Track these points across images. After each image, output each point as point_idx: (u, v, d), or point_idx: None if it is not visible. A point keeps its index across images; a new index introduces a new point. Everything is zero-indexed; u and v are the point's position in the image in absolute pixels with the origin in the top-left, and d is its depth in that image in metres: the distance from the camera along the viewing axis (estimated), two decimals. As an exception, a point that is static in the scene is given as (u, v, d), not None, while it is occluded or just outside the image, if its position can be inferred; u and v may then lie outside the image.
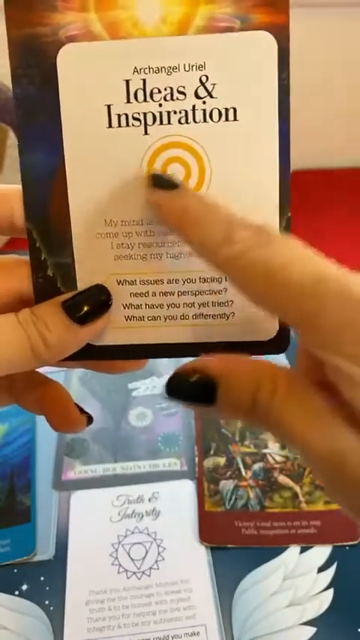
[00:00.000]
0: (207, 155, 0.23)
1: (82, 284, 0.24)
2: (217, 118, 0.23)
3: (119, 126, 0.23)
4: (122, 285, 0.24)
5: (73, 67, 0.22)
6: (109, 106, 0.23)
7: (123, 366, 0.27)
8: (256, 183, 0.23)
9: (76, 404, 0.27)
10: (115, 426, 0.45)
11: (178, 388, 0.22)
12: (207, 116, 0.23)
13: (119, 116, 0.23)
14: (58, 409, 0.27)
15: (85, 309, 0.23)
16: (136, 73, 0.22)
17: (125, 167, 0.23)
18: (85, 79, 0.22)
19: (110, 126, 0.23)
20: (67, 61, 0.22)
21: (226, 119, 0.23)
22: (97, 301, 0.24)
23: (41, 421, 0.44)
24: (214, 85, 0.22)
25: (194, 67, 0.22)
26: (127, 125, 0.23)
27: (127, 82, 0.22)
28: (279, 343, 0.25)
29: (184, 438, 0.44)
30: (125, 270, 0.24)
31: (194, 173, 0.23)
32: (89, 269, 0.24)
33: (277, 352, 0.25)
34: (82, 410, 0.27)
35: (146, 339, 0.25)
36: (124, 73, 0.22)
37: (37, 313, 0.23)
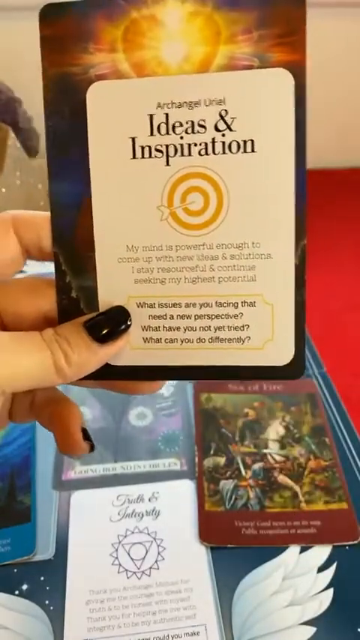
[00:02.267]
0: (225, 185, 0.24)
1: (103, 306, 0.26)
2: (236, 150, 0.24)
3: (142, 157, 0.24)
4: (141, 307, 0.25)
5: (101, 102, 0.24)
6: (133, 139, 0.24)
7: (140, 388, 0.28)
8: (272, 212, 0.24)
9: (83, 429, 0.28)
10: (115, 425, 0.45)
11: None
12: (226, 148, 0.24)
13: (143, 148, 0.24)
14: (63, 429, 0.28)
15: (106, 329, 0.25)
16: (159, 108, 0.24)
17: (147, 196, 0.24)
18: (111, 113, 0.24)
19: (134, 157, 0.24)
20: (96, 97, 0.24)
21: (245, 151, 0.24)
22: (117, 322, 0.25)
23: (41, 421, 0.44)
24: (233, 118, 0.23)
25: (214, 102, 0.23)
26: (150, 156, 0.24)
27: (151, 116, 0.24)
28: (294, 369, 0.26)
29: (184, 437, 0.44)
30: (145, 293, 0.25)
31: (212, 202, 0.24)
32: (111, 292, 0.25)
33: (293, 377, 0.26)
34: (87, 437, 0.28)
35: (163, 360, 0.26)
36: (149, 108, 0.24)
37: (60, 332, 0.24)
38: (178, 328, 0.26)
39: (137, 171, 0.24)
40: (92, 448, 0.28)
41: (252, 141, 0.24)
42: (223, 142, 0.24)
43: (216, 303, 0.25)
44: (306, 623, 0.33)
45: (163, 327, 0.26)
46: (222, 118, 0.23)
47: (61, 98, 0.24)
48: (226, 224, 0.24)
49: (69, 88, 0.24)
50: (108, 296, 0.26)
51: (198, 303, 0.25)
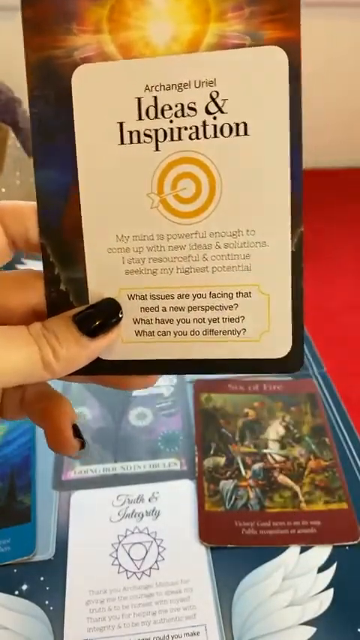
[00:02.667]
0: (218, 170, 0.23)
1: (93, 298, 0.25)
2: (228, 133, 0.23)
3: (131, 142, 0.23)
4: (133, 299, 0.25)
5: (87, 86, 0.23)
6: (121, 124, 0.23)
7: (134, 383, 0.27)
8: (267, 198, 0.23)
9: (74, 425, 0.27)
10: (115, 425, 0.45)
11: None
12: (218, 131, 0.23)
13: (131, 133, 0.23)
14: (54, 426, 0.27)
15: (96, 322, 0.24)
16: (147, 91, 0.23)
17: (136, 183, 0.23)
18: (98, 97, 0.23)
19: (122, 142, 0.23)
20: (82, 81, 0.23)
21: (237, 134, 0.23)
22: (108, 315, 0.24)
23: (41, 421, 0.44)
24: (224, 100, 0.22)
25: (204, 84, 0.22)
26: (139, 142, 0.23)
27: (139, 99, 0.23)
28: (292, 361, 0.25)
29: (184, 437, 0.44)
30: (136, 284, 0.24)
31: (205, 189, 0.23)
32: (101, 283, 0.25)
33: (290, 371, 0.25)
34: (77, 434, 0.27)
35: (156, 354, 0.25)
36: (136, 91, 0.23)
37: (48, 326, 0.23)
38: (171, 320, 0.25)
39: (126, 157, 0.23)
40: (83, 445, 0.28)
41: (245, 123, 0.22)
42: (215, 125, 0.23)
43: (210, 294, 0.24)
44: (306, 623, 0.33)
45: (156, 319, 0.25)
46: (213, 99, 0.22)
47: (45, 83, 0.23)
48: (219, 211, 0.23)
49: (53, 72, 0.23)
50: (98, 288, 0.25)
51: (191, 294, 0.24)
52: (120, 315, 0.25)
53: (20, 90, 1.28)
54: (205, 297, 0.24)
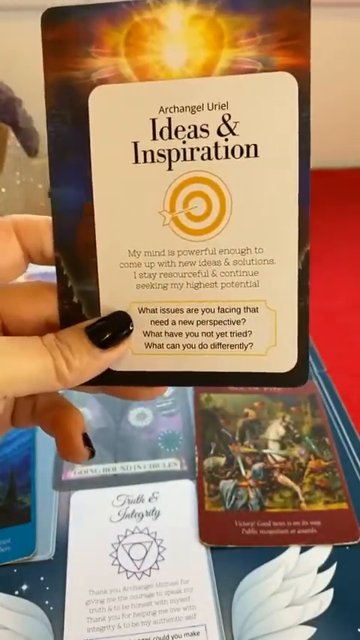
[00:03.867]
0: (228, 190, 0.24)
1: (105, 311, 0.25)
2: (239, 155, 0.23)
3: (145, 162, 0.24)
4: (143, 313, 0.25)
5: (103, 107, 0.24)
6: (135, 143, 0.24)
7: (142, 394, 0.28)
8: (275, 217, 0.24)
9: (84, 434, 0.28)
10: (115, 425, 0.45)
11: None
12: (229, 153, 0.23)
13: (145, 152, 0.24)
14: (64, 435, 0.27)
15: (107, 334, 0.24)
16: (162, 112, 0.23)
17: (149, 201, 0.24)
18: (114, 118, 0.24)
19: (136, 162, 0.24)
20: (98, 101, 0.24)
21: (248, 155, 0.23)
22: (119, 327, 0.25)
23: (41, 421, 0.44)
24: (236, 122, 0.23)
25: (217, 106, 0.23)
26: (153, 161, 0.24)
27: (154, 120, 0.24)
28: (297, 376, 0.25)
29: (184, 437, 0.44)
30: (147, 298, 0.25)
31: (215, 207, 0.24)
32: (112, 297, 0.25)
33: (295, 385, 0.25)
34: (87, 442, 0.28)
35: (165, 366, 0.26)
36: (151, 113, 0.24)
37: (62, 337, 0.24)
38: (180, 334, 0.25)
39: (139, 176, 0.24)
40: (92, 454, 0.28)
41: (255, 145, 0.23)
42: (226, 147, 0.23)
43: (218, 308, 0.25)
44: (306, 623, 0.33)
45: (165, 332, 0.25)
46: (225, 122, 0.23)
47: (63, 103, 0.24)
48: (229, 229, 0.24)
49: (71, 93, 0.24)
50: (110, 301, 0.25)
51: (200, 308, 0.25)
52: (131, 328, 0.25)
53: (20, 90, 1.28)
54: (214, 312, 0.25)
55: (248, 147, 0.23)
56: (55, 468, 0.42)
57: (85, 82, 0.24)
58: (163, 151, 0.24)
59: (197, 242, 0.24)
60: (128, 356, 0.26)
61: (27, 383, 0.23)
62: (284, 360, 0.25)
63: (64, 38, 0.23)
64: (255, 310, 0.25)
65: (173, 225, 0.24)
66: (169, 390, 0.49)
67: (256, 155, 0.23)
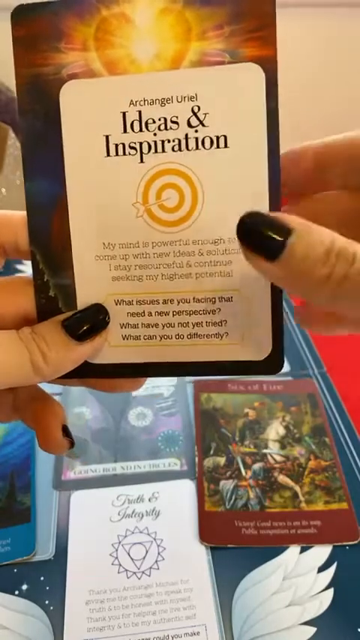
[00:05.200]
0: (199, 181, 0.24)
1: (81, 304, 0.25)
2: (209, 146, 0.24)
3: (117, 155, 0.24)
4: (119, 305, 0.25)
5: (74, 101, 0.24)
6: (107, 137, 0.24)
7: (121, 386, 0.28)
8: (246, 207, 0.23)
9: (64, 426, 0.28)
10: (115, 425, 0.45)
11: (250, 228, 0.21)
12: (199, 144, 0.24)
13: (117, 145, 0.24)
14: (43, 427, 0.27)
15: (84, 327, 0.24)
16: (132, 105, 0.24)
17: (122, 193, 0.24)
18: (85, 112, 0.24)
19: (108, 155, 0.24)
20: (69, 96, 0.24)
21: (217, 146, 0.24)
22: (95, 320, 0.25)
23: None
24: (205, 114, 0.23)
25: (186, 98, 0.23)
26: (124, 154, 0.24)
27: (124, 113, 0.24)
28: (273, 363, 0.25)
29: (184, 437, 0.44)
30: (122, 290, 0.25)
31: (187, 199, 0.24)
32: (88, 290, 0.25)
33: (272, 372, 0.26)
34: (67, 434, 0.28)
35: (142, 357, 0.26)
36: (121, 106, 0.24)
37: (38, 331, 0.24)
38: (156, 325, 0.25)
39: (112, 168, 0.24)
40: (72, 445, 0.28)
41: (225, 136, 0.23)
42: (196, 138, 0.24)
43: (194, 299, 0.25)
44: (306, 623, 0.33)
45: (142, 324, 0.25)
46: (194, 114, 0.23)
47: (34, 98, 0.24)
48: (201, 220, 0.24)
49: (42, 88, 0.24)
50: (86, 294, 0.25)
51: (176, 299, 0.25)
52: (107, 320, 0.25)
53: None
54: (189, 302, 0.25)
55: (218, 138, 0.23)
56: (55, 468, 0.42)
57: (55, 77, 0.24)
58: (135, 143, 0.24)
59: (171, 233, 0.25)
60: (106, 348, 0.26)
61: (4, 377, 0.23)
62: (259, 348, 0.25)
63: (34, 34, 0.23)
64: (229, 300, 0.25)
65: (147, 217, 0.24)
66: (169, 390, 0.49)
67: (225, 146, 0.24)
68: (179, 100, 0.23)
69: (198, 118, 0.23)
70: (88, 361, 0.26)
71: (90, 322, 0.25)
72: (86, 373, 0.26)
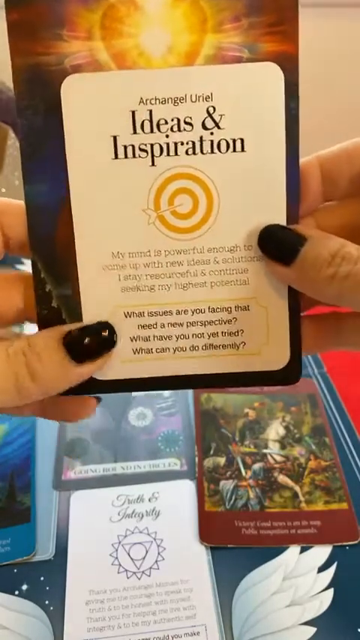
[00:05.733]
0: (215, 186, 0.23)
1: (87, 316, 0.24)
2: (225, 149, 0.23)
3: (125, 157, 0.23)
4: (129, 317, 0.24)
5: (77, 97, 0.22)
6: (115, 137, 0.22)
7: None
8: (264, 213, 0.23)
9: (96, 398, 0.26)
10: (115, 425, 0.45)
11: (270, 236, 0.23)
12: (215, 147, 0.23)
13: (125, 147, 0.22)
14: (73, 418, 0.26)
15: (87, 347, 0.23)
16: (142, 104, 0.22)
17: (132, 198, 0.23)
18: (90, 109, 0.22)
19: (116, 157, 0.23)
20: (72, 91, 0.22)
21: (234, 150, 0.23)
22: (101, 341, 0.23)
23: (41, 421, 0.44)
24: (221, 115, 0.22)
25: (201, 98, 0.22)
26: (134, 156, 0.23)
27: (133, 112, 0.22)
28: (291, 373, 0.25)
29: (184, 437, 0.44)
30: (132, 302, 0.24)
31: (202, 205, 0.23)
32: (95, 301, 0.24)
33: (289, 382, 0.25)
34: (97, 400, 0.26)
35: (155, 371, 0.25)
36: (130, 104, 0.22)
37: (33, 344, 0.22)
38: (169, 337, 0.24)
39: (120, 172, 0.23)
40: (99, 400, 0.27)
41: (241, 139, 0.22)
42: (212, 141, 0.22)
43: (209, 308, 0.24)
44: (306, 623, 0.33)
45: (154, 336, 0.24)
46: (210, 115, 0.22)
47: (34, 92, 0.22)
48: (216, 227, 0.23)
49: (42, 81, 0.22)
50: (92, 306, 0.24)
51: (190, 309, 0.24)
52: (114, 340, 0.24)
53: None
54: (204, 312, 0.24)
55: (234, 141, 0.22)
56: (55, 468, 0.42)
57: (57, 68, 0.22)
58: (145, 145, 0.22)
59: (184, 241, 0.24)
60: (116, 363, 0.24)
61: None
62: (277, 357, 0.25)
63: (32, 19, 0.21)
64: (246, 308, 0.24)
65: (159, 223, 0.23)
66: (169, 391, 0.49)
67: (242, 150, 0.23)
68: (193, 100, 0.22)
69: (213, 120, 0.22)
70: (95, 377, 0.24)
71: (95, 343, 0.23)
72: (92, 389, 0.25)
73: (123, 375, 0.25)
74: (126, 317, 0.24)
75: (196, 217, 0.23)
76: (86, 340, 0.23)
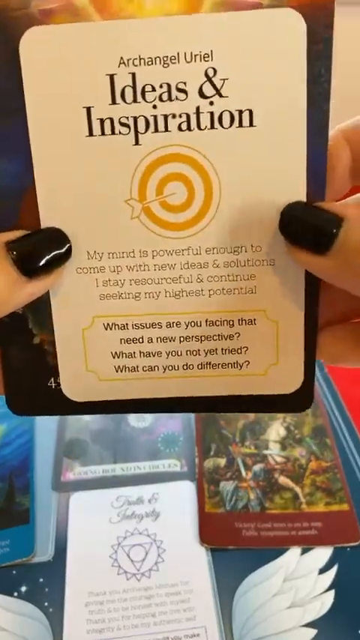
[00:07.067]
0: (215, 171, 0.19)
1: (60, 329, 0.21)
2: (229, 123, 0.18)
3: (102, 134, 0.18)
4: (110, 329, 0.21)
5: (40, 56, 0.17)
6: (88, 109, 0.18)
7: None
8: (277, 206, 0.19)
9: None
10: (114, 426, 0.45)
11: (296, 220, 0.18)
12: (215, 121, 0.18)
13: (102, 121, 0.18)
14: None
15: (38, 257, 0.19)
16: (122, 66, 0.17)
17: (111, 186, 0.19)
18: (57, 73, 0.17)
19: (91, 134, 0.18)
20: (34, 48, 0.17)
21: (240, 124, 0.18)
22: (52, 246, 0.19)
23: (40, 422, 0.44)
24: (224, 80, 0.18)
25: (198, 57, 0.17)
26: (113, 133, 0.18)
27: (112, 77, 0.17)
28: (303, 398, 0.21)
29: (184, 438, 0.44)
30: (114, 311, 0.20)
31: (199, 194, 0.19)
32: (68, 310, 0.20)
33: (300, 409, 0.22)
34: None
35: (141, 392, 0.21)
36: (108, 66, 0.17)
37: None
38: (159, 353, 0.21)
39: (96, 152, 0.18)
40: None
41: (250, 111, 0.18)
42: (211, 113, 0.18)
43: (206, 321, 0.20)
44: (307, 625, 0.32)
45: (140, 352, 0.21)
46: (209, 79, 0.17)
47: None
48: (217, 222, 0.19)
49: (2, 30, 0.17)
50: (65, 316, 0.20)
51: (183, 322, 0.20)
52: (68, 246, 0.19)
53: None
54: (201, 326, 0.21)
55: (240, 113, 0.18)
56: (54, 469, 0.41)
57: (20, 14, 0.17)
58: (127, 118, 0.18)
59: (177, 239, 0.19)
60: (94, 382, 0.21)
61: None
62: (288, 380, 0.21)
63: None
64: (252, 322, 0.20)
65: (144, 217, 0.19)
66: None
67: (251, 124, 0.18)
68: (188, 60, 0.17)
69: (214, 86, 0.18)
70: (69, 398, 0.21)
71: (46, 250, 0.19)
72: (66, 410, 0.21)
73: (103, 397, 0.21)
74: (106, 329, 0.21)
75: (192, 210, 0.19)
76: (35, 248, 0.19)
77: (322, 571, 0.35)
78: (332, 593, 0.34)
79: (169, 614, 0.33)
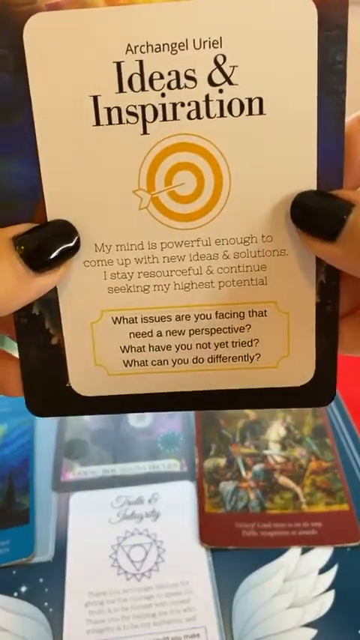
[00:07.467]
0: (225, 160, 0.18)
1: (68, 324, 0.20)
2: (238, 112, 0.18)
3: (110, 123, 0.18)
4: (119, 323, 0.20)
5: (45, 44, 0.17)
6: (95, 98, 0.18)
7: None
8: (288, 195, 0.19)
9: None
10: (114, 427, 0.45)
11: (306, 207, 0.18)
12: (225, 109, 0.18)
13: (109, 110, 0.18)
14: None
15: (46, 251, 0.18)
16: (130, 53, 0.17)
17: (119, 176, 0.19)
18: (62, 61, 0.17)
19: (98, 123, 0.18)
20: (38, 34, 0.17)
21: (250, 113, 0.18)
22: (60, 240, 0.19)
23: (41, 422, 0.44)
24: (233, 67, 0.17)
25: (207, 44, 0.17)
26: (120, 122, 0.18)
27: (119, 64, 0.17)
28: (319, 391, 0.21)
29: (184, 438, 0.44)
30: (122, 305, 0.20)
31: (208, 184, 0.19)
32: (76, 304, 0.20)
33: (316, 403, 0.21)
34: None
35: (150, 387, 0.21)
36: (115, 53, 0.17)
37: None
38: (168, 347, 0.21)
39: (103, 142, 0.18)
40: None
41: (260, 99, 0.18)
42: (221, 101, 0.18)
43: (216, 314, 0.20)
44: (307, 625, 0.32)
45: (150, 346, 0.21)
46: (218, 66, 0.17)
47: (1, 40, 0.17)
48: (227, 212, 0.19)
49: (9, 24, 0.17)
50: (74, 310, 0.20)
51: (193, 314, 0.20)
52: (76, 240, 0.19)
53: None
54: (211, 318, 0.20)
55: (250, 101, 0.18)
56: (54, 469, 0.41)
57: (27, 7, 0.17)
58: (135, 107, 0.18)
59: (186, 230, 0.19)
60: (102, 377, 0.21)
61: None
62: (299, 372, 0.21)
63: None
64: (262, 314, 0.20)
65: (153, 208, 0.19)
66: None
67: (261, 112, 0.18)
68: (197, 46, 0.17)
69: (223, 73, 0.17)
70: (78, 394, 0.21)
71: (54, 244, 0.18)
72: (75, 408, 0.21)
73: (112, 391, 0.21)
74: (115, 323, 0.20)
75: (202, 200, 0.19)
76: (43, 242, 0.18)
77: (322, 571, 0.35)
78: (332, 593, 0.34)
79: (169, 614, 0.33)
